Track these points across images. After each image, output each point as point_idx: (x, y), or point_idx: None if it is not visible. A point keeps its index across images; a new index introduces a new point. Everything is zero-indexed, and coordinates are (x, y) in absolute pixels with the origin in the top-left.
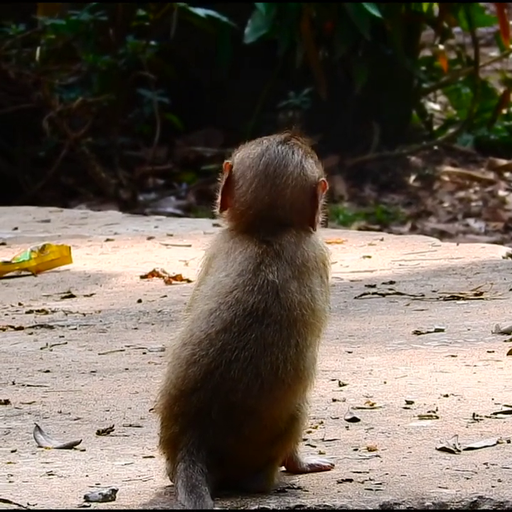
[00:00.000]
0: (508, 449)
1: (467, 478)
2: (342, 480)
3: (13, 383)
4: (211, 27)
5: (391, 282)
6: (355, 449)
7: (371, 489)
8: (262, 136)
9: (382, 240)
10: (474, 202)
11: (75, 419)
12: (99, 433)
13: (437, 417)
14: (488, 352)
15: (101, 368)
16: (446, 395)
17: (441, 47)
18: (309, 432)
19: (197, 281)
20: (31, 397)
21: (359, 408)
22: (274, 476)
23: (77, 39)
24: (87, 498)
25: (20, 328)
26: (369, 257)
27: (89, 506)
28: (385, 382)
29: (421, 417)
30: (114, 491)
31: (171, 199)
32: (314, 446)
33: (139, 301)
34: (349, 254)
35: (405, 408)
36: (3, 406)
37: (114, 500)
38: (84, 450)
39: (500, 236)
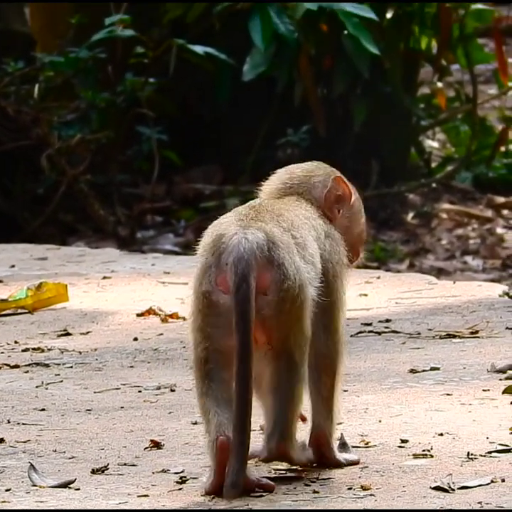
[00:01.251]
0: (502, 488)
1: None
2: None
3: (9, 421)
4: (210, 64)
5: (387, 320)
6: (350, 488)
7: None
8: (261, 174)
9: (378, 278)
10: (472, 239)
11: (70, 458)
12: (93, 472)
13: (432, 456)
14: (483, 390)
15: (96, 407)
16: (441, 434)
17: (439, 84)
18: (304, 471)
19: None
20: (26, 436)
21: (354, 447)
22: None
23: (75, 76)
24: None
25: (16, 367)
26: (365, 295)
27: None
28: (380, 421)
29: (415, 456)
30: None
31: (169, 236)
32: (309, 485)
33: (135, 339)
34: None
35: (400, 447)
36: None
37: None
38: (78, 489)
39: (498, 274)
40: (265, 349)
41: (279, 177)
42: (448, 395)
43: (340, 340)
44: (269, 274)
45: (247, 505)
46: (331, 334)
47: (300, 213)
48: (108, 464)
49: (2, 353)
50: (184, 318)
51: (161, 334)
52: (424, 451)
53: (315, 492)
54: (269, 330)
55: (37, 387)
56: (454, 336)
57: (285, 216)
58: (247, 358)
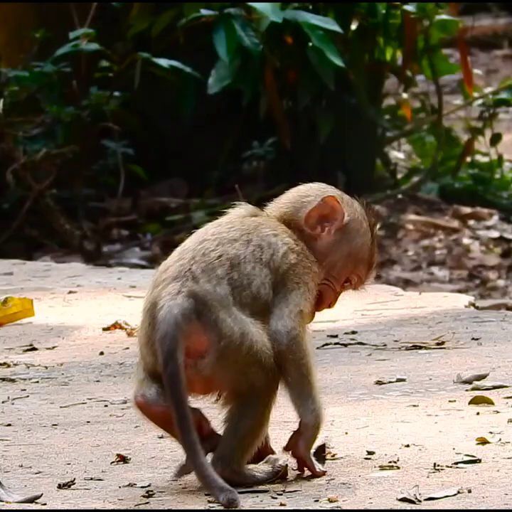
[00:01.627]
0: (468, 499)
1: None
2: None
3: None
4: (175, 77)
5: (353, 332)
6: (316, 500)
7: None
8: (227, 187)
9: None
10: (439, 250)
11: (36, 473)
12: (60, 487)
13: (398, 468)
14: (449, 401)
15: (63, 421)
16: (408, 445)
17: (404, 95)
18: (270, 484)
19: None
20: None
21: None
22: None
23: (40, 91)
24: None
25: None
26: None
27: None
28: (346, 433)
29: (382, 468)
30: None
31: (135, 250)
32: (275, 498)
33: (101, 353)
34: None
35: (366, 459)
36: None
37: None
38: (45, 504)
39: (465, 284)
40: (216, 398)
41: (283, 196)
42: (414, 406)
43: (292, 332)
44: (204, 337)
45: None
46: (281, 324)
47: (259, 235)
48: (75, 479)
49: None
50: None
51: (127, 348)
52: (390, 462)
53: (281, 505)
54: (216, 386)
55: (3, 402)
56: (420, 347)
57: (230, 254)
58: (187, 427)
